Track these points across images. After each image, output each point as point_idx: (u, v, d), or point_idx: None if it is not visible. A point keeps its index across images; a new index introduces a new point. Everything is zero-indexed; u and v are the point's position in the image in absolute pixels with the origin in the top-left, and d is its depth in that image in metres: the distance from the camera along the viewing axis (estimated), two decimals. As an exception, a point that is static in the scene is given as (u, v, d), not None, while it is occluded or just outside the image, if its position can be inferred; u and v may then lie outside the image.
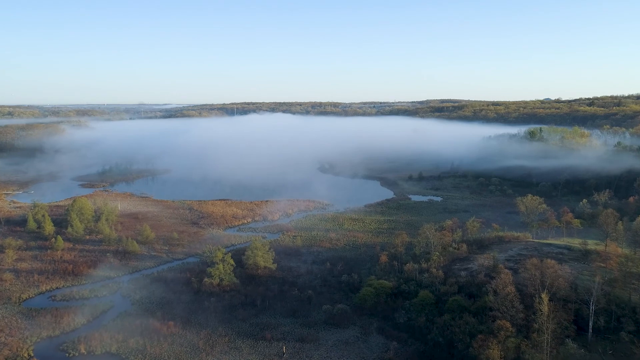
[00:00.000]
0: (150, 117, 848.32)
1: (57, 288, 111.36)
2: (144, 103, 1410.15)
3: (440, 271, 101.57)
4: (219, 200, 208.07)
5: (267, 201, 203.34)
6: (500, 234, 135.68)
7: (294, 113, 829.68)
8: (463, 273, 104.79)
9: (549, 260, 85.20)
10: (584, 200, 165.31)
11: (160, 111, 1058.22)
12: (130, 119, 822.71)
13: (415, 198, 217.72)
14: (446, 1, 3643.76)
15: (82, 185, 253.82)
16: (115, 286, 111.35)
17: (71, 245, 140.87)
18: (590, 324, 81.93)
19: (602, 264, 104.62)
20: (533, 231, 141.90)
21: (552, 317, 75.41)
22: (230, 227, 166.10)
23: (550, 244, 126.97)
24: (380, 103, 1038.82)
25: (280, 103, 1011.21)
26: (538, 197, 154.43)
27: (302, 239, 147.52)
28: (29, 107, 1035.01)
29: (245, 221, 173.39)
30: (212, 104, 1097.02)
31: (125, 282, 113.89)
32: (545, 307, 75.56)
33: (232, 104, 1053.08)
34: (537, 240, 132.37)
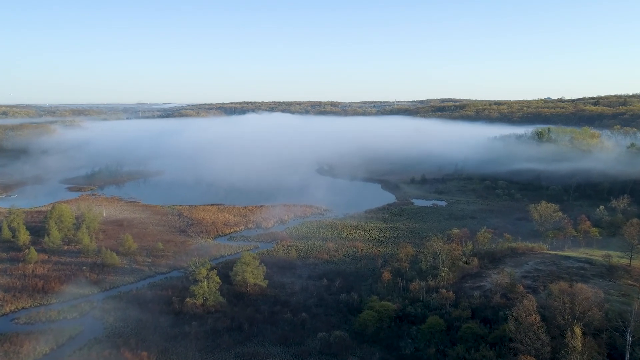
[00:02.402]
0: (148, 117, 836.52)
1: (23, 308, 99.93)
2: (143, 102, 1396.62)
3: (451, 292, 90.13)
4: (211, 205, 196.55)
5: (261, 206, 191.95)
6: (513, 245, 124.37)
7: (293, 113, 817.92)
8: (476, 293, 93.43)
9: (579, 285, 73.78)
10: (601, 207, 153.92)
11: (158, 111, 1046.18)
12: (127, 118, 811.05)
13: (419, 202, 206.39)
14: (446, 1, 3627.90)
15: (70, 189, 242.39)
16: (87, 306, 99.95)
17: (46, 257, 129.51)
18: (627, 357, 70.70)
19: (633, 283, 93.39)
20: (548, 241, 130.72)
21: (585, 354, 64.31)
22: (221, 236, 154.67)
23: (568, 257, 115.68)
24: (381, 102, 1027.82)
25: (279, 102, 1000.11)
26: (553, 204, 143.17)
27: (298, 250, 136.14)
28: (27, 106, 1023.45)
29: (238, 229, 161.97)
30: (211, 104, 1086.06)
31: (100, 301, 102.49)
32: (578, 342, 64.35)
33: (231, 103, 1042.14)
34: (553, 252, 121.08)
